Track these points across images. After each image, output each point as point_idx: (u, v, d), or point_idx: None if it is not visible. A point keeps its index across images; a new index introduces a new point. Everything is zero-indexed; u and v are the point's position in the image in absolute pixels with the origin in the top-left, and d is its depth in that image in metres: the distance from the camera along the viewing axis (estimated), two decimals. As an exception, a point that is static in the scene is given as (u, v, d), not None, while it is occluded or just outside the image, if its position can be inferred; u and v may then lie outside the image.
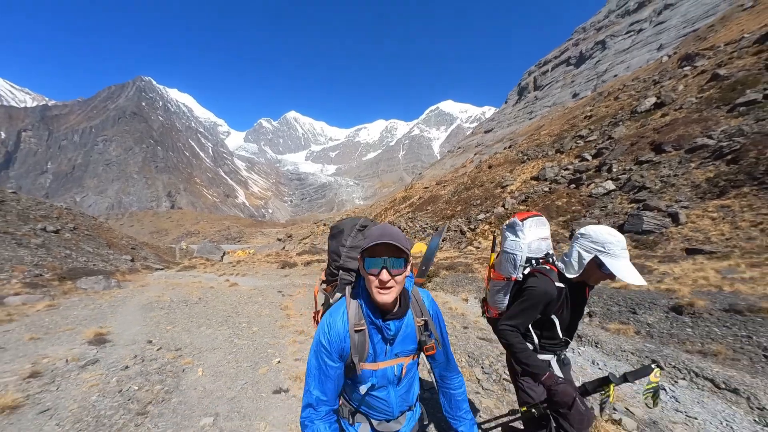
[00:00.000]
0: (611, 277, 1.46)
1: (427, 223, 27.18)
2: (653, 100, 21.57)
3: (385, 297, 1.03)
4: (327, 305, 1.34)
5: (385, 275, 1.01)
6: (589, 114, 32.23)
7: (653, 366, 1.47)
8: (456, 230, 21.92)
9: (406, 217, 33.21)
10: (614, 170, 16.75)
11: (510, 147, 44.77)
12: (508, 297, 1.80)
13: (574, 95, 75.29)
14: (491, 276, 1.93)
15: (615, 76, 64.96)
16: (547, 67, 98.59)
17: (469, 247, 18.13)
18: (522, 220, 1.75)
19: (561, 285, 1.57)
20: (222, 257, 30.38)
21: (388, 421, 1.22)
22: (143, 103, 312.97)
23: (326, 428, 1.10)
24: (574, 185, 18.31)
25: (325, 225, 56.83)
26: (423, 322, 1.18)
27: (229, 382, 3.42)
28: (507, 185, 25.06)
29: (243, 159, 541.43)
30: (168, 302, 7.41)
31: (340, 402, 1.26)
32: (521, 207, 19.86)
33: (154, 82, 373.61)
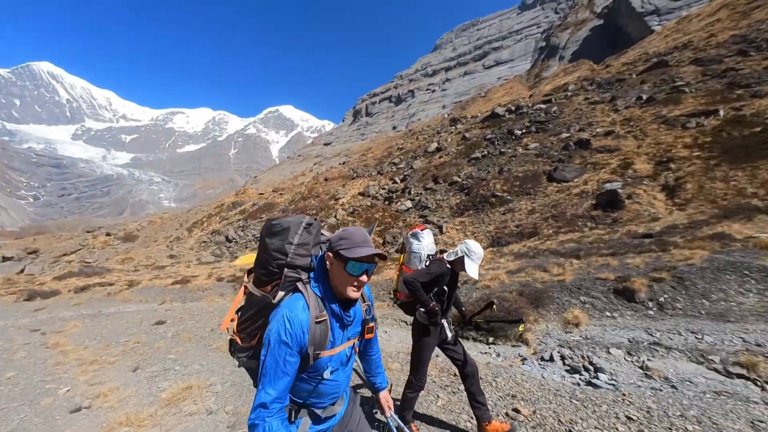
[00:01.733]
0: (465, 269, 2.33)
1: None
2: (435, 145, 30.70)
3: (358, 293, 1.23)
4: (262, 307, 1.25)
5: (365, 278, 1.21)
6: (401, 146, 41.30)
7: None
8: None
9: (236, 226, 30.41)
10: (412, 193, 22.63)
11: (344, 163, 50.06)
12: None
13: (394, 127, 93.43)
14: (403, 270, 2.66)
15: (419, 119, 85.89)
16: (376, 99, 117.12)
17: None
18: (421, 230, 2.60)
19: (448, 266, 2.41)
20: None
21: (333, 404, 1.31)
22: None
23: (279, 424, 1.10)
24: (387, 202, 23.20)
25: (109, 235, 36.42)
26: (367, 307, 1.40)
27: (-2, 426, 2.76)
28: (339, 198, 28.15)
29: None
30: None
31: None
32: (350, 218, 23.00)
33: None
